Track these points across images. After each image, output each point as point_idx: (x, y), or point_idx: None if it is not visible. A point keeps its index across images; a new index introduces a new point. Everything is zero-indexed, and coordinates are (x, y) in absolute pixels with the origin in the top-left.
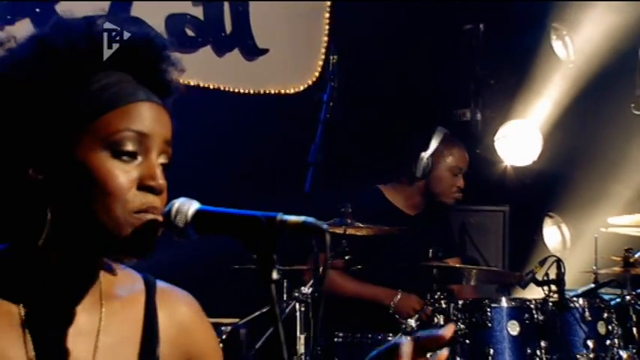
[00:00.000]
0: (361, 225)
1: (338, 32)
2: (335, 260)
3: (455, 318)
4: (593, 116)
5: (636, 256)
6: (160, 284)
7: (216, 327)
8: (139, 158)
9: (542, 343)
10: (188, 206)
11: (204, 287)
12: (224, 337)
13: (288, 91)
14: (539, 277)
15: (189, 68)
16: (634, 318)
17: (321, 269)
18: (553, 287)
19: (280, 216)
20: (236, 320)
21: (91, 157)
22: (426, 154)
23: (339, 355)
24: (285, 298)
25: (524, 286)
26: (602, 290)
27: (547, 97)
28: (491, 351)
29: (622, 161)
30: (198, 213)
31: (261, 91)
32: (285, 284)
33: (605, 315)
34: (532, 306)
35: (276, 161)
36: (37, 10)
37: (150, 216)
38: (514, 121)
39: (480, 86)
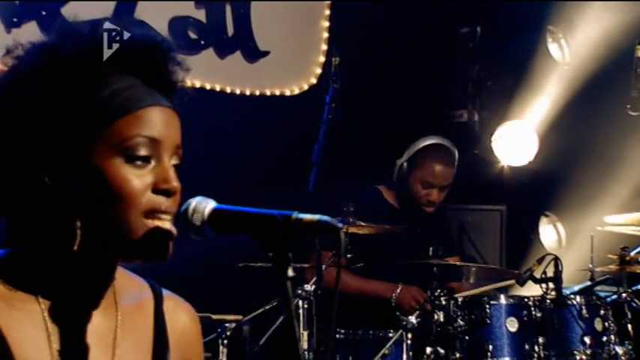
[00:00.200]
0: (363, 224)
1: (338, 34)
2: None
3: (454, 315)
4: (589, 117)
5: (632, 254)
6: (166, 293)
7: (220, 324)
8: (153, 162)
9: (540, 340)
10: (205, 205)
11: (209, 284)
12: (228, 333)
13: (289, 93)
14: (537, 274)
15: (192, 70)
16: (629, 315)
17: (329, 267)
18: (551, 285)
19: (296, 214)
20: (240, 317)
21: (106, 164)
22: (399, 161)
23: (340, 352)
24: None
25: (522, 284)
26: (599, 288)
27: (543, 98)
28: (490, 347)
29: (617, 161)
30: (214, 212)
31: (263, 93)
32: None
33: (602, 312)
34: (530, 303)
35: (278, 162)
36: (43, 12)
37: (167, 225)
38: (511, 122)
39: (477, 88)
